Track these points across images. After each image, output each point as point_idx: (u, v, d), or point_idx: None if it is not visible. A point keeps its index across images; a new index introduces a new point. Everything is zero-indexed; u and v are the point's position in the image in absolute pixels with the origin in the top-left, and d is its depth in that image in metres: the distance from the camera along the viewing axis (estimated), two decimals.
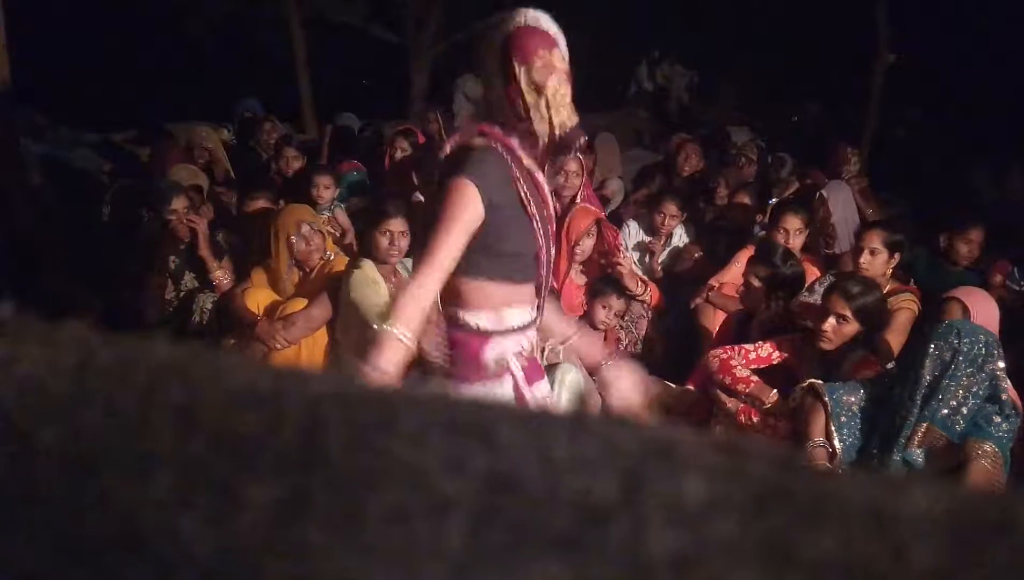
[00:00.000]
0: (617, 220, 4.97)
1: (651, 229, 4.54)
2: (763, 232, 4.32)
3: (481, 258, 1.71)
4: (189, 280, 3.75)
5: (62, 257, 4.12)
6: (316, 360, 3.10)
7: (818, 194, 4.76)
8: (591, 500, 0.30)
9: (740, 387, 2.91)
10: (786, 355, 2.99)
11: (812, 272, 3.70)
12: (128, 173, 5.78)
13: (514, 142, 1.69)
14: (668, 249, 4.51)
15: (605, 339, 3.62)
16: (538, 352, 1.90)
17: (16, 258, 3.93)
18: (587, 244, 3.73)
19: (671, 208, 4.45)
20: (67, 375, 0.35)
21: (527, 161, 1.71)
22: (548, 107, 1.65)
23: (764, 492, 0.31)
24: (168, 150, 5.51)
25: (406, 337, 1.56)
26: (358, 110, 7.86)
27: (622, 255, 3.70)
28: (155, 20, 9.64)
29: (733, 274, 3.79)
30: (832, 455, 2.56)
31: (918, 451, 2.45)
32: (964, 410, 2.42)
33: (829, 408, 2.59)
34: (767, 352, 3.00)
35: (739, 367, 2.93)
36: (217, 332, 3.41)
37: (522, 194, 1.71)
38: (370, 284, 2.96)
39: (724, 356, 2.97)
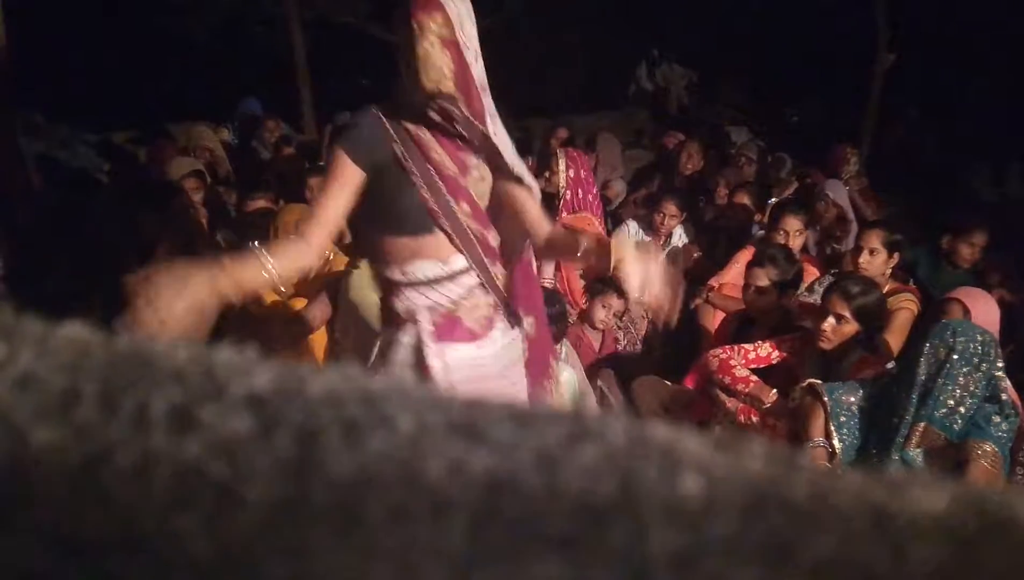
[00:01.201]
0: (617, 220, 4.98)
1: (650, 229, 4.54)
2: (762, 232, 4.33)
3: (380, 214, 1.89)
4: None
5: (61, 256, 4.11)
6: (316, 360, 3.10)
7: (821, 193, 4.76)
8: (590, 500, 0.30)
9: (740, 387, 2.91)
10: (785, 355, 2.99)
11: (811, 272, 3.70)
12: (127, 173, 5.78)
13: (385, 109, 1.87)
14: (667, 249, 4.51)
15: (604, 339, 3.62)
16: (471, 312, 1.95)
17: (15, 257, 3.92)
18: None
19: (670, 208, 4.45)
20: (64, 374, 0.35)
21: (409, 122, 1.85)
22: (416, 68, 1.76)
23: (763, 492, 0.31)
24: (165, 150, 5.51)
25: (268, 263, 1.71)
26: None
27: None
28: (154, 19, 9.63)
29: (733, 275, 3.79)
30: (832, 455, 2.56)
31: (917, 451, 2.45)
32: (962, 409, 2.42)
33: (828, 408, 2.59)
34: (766, 352, 3.00)
35: (738, 367, 2.93)
36: (216, 332, 3.41)
37: (399, 153, 1.84)
38: (369, 284, 2.97)
39: (723, 356, 2.97)
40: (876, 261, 3.39)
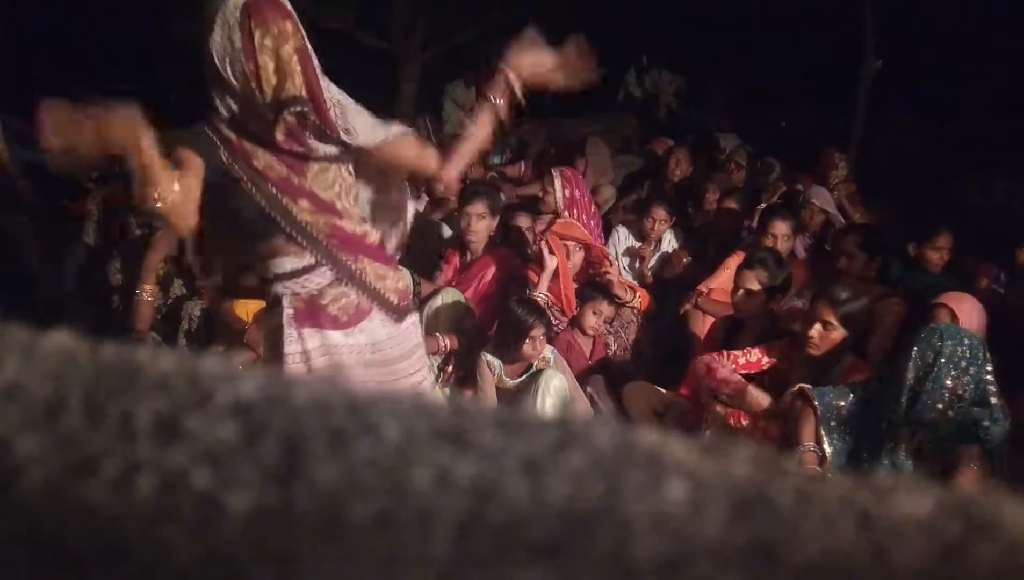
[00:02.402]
0: (607, 226, 4.98)
1: (640, 234, 4.55)
2: (751, 236, 4.34)
3: (237, 220, 1.94)
4: (177, 287, 3.73)
5: (49, 264, 4.09)
6: None
7: (806, 200, 4.78)
8: (575, 506, 0.30)
9: (723, 387, 2.90)
10: (775, 360, 3.00)
11: (800, 278, 3.71)
12: (116, 180, 5.75)
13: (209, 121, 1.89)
14: (658, 254, 4.52)
15: (595, 345, 3.62)
16: (336, 300, 1.97)
17: (3, 266, 3.90)
18: (577, 258, 3.74)
19: (660, 213, 4.47)
20: (50, 383, 0.35)
21: (231, 131, 1.85)
22: (277, 72, 1.75)
23: (748, 496, 0.31)
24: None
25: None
26: None
27: (609, 264, 3.71)
28: (145, 25, 9.60)
29: (722, 280, 3.80)
30: (823, 460, 2.56)
31: (906, 455, 2.46)
32: (950, 414, 2.42)
33: (819, 412, 2.59)
34: (756, 357, 3.01)
35: (722, 369, 2.94)
36: (205, 340, 3.40)
37: (226, 161, 1.87)
38: None
39: (711, 362, 2.98)
40: (854, 265, 3.41)
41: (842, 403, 2.61)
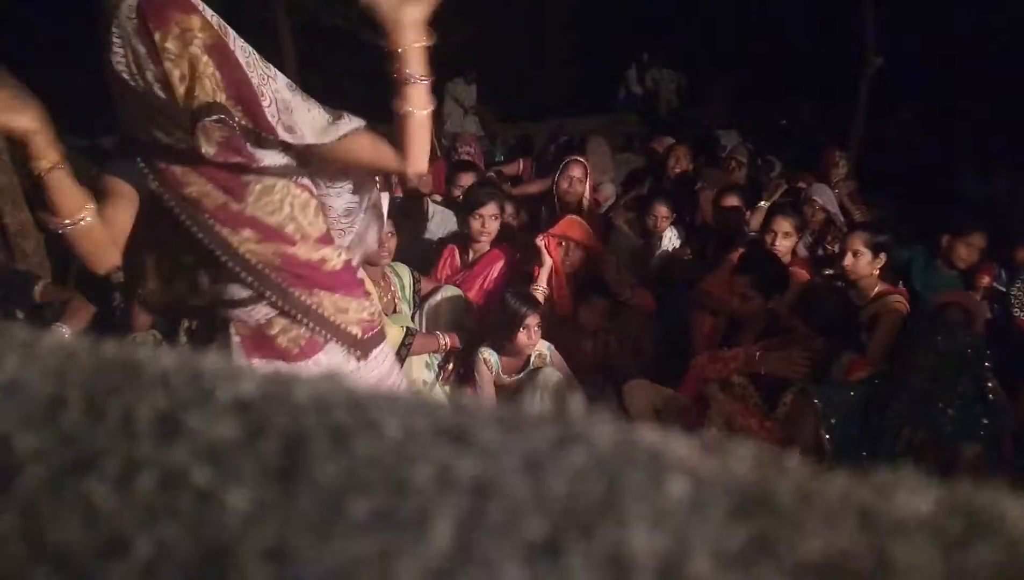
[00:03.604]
0: (607, 222, 4.99)
1: (642, 231, 4.56)
2: (752, 234, 4.35)
3: (182, 245, 1.75)
4: None
5: (50, 261, 4.10)
6: None
7: (807, 197, 4.79)
8: (575, 504, 0.30)
9: (734, 362, 2.89)
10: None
11: (802, 276, 3.71)
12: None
13: (133, 144, 1.68)
14: (660, 251, 4.52)
15: (595, 342, 3.62)
16: (285, 332, 1.81)
17: (7, 263, 3.91)
18: (575, 256, 3.75)
19: (662, 210, 4.48)
20: (50, 380, 0.35)
21: (159, 159, 1.66)
22: (185, 76, 1.50)
23: (749, 494, 0.31)
24: None
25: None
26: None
27: (605, 261, 3.72)
28: None
29: (723, 277, 3.80)
30: (823, 457, 2.57)
31: (906, 452, 2.46)
32: (950, 411, 2.43)
33: (819, 410, 2.60)
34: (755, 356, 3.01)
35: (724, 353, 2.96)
36: (206, 337, 3.40)
37: (156, 192, 1.68)
38: None
39: (713, 353, 2.99)
40: (860, 263, 3.42)
41: (842, 400, 2.62)
